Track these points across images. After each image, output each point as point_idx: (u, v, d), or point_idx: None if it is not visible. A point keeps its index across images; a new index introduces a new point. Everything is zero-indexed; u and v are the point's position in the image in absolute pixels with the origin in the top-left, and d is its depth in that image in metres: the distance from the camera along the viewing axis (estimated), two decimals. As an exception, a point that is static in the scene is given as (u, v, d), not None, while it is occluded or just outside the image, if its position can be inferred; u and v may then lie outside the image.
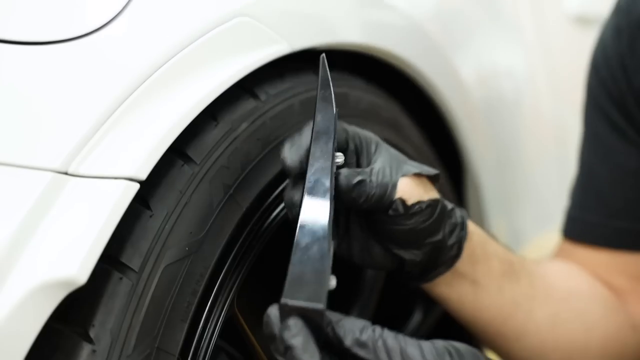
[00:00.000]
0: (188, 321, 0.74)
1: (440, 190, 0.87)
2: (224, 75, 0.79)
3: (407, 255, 0.85)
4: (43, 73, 0.70)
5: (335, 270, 0.68)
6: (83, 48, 0.71)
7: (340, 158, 0.79)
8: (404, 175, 0.82)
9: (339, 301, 1.00)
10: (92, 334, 0.68)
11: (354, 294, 1.04)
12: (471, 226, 0.90)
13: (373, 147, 0.84)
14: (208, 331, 0.77)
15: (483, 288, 0.94)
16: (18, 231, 0.64)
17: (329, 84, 0.81)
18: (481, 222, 1.38)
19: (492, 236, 0.97)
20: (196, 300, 0.75)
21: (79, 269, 0.65)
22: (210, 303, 0.77)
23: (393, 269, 0.89)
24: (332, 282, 0.67)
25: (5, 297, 0.62)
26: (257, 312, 0.84)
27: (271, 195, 0.85)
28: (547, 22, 1.80)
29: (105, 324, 0.68)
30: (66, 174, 0.67)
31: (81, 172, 0.67)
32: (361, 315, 1.03)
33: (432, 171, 0.85)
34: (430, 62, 1.18)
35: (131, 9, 0.75)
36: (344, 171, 0.79)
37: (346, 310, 1.02)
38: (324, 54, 0.82)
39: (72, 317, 0.68)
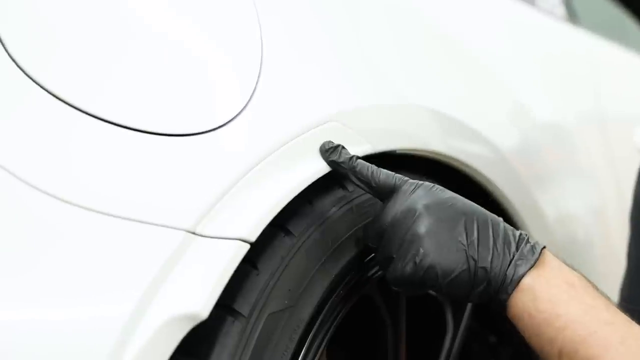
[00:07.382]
0: (286, 362, 0.90)
1: None
2: (319, 165, 0.98)
3: None
4: (189, 156, 0.89)
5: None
6: (217, 137, 0.90)
7: None
8: None
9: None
10: (209, 364, 0.84)
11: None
12: None
13: None
14: (302, 374, 0.92)
15: None
16: (156, 278, 0.81)
17: None
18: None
19: None
20: (293, 346, 0.91)
21: (202, 306, 0.82)
22: (305, 350, 0.93)
23: None
24: None
25: (145, 327, 0.80)
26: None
27: (355, 267, 1.01)
28: (618, 158, 1.94)
29: (220, 356, 0.84)
30: (194, 233, 0.85)
31: (205, 233, 0.85)
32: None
33: None
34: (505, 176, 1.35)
35: (250, 110, 0.94)
36: None
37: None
38: None
39: (194, 351, 0.85)
